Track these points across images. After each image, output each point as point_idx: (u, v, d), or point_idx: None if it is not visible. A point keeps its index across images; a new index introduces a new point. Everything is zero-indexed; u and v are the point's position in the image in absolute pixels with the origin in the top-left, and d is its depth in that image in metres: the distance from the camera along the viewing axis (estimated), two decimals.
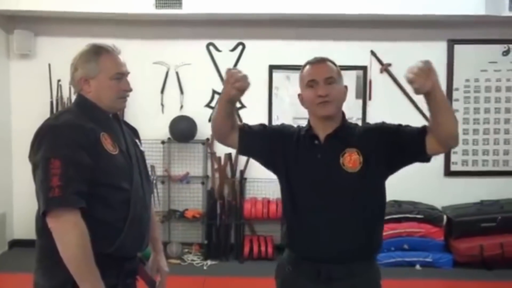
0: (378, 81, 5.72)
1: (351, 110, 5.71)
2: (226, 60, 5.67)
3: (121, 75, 2.07)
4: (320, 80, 2.14)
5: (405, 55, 5.67)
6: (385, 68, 5.71)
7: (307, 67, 2.21)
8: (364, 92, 5.72)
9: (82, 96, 2.06)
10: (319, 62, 2.20)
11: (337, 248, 2.11)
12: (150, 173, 2.33)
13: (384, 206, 2.27)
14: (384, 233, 5.55)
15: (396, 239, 5.31)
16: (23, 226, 5.57)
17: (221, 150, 5.56)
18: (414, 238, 5.32)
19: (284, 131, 2.31)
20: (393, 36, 5.69)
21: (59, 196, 1.82)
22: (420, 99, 6.04)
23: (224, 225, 5.55)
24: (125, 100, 2.13)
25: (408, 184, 5.70)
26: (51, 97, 5.56)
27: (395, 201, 5.59)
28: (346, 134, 2.19)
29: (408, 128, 2.15)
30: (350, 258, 2.12)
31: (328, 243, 2.12)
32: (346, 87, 2.22)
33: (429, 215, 5.39)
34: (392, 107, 5.69)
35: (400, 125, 2.18)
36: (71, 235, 1.84)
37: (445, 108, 1.97)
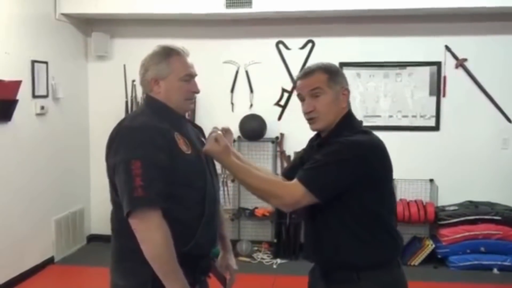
0: (453, 77, 5.51)
1: (424, 107, 5.55)
2: (295, 58, 5.66)
3: (190, 76, 2.10)
4: (305, 94, 2.10)
5: (482, 49, 5.46)
6: (461, 64, 5.49)
7: (297, 81, 2.17)
8: (438, 88, 5.53)
9: (151, 97, 2.09)
10: (304, 75, 2.13)
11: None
12: (220, 171, 2.34)
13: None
14: (460, 235, 5.39)
15: (472, 241, 5.14)
16: (101, 221, 5.76)
17: (291, 148, 5.56)
18: (491, 241, 5.11)
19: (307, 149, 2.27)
20: (469, 30, 5.46)
21: (143, 196, 1.84)
22: (498, 96, 5.78)
23: (293, 224, 5.54)
24: (192, 102, 2.16)
25: (485, 184, 5.50)
26: (126, 97, 5.74)
27: (471, 202, 5.40)
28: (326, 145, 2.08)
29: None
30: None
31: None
32: (346, 89, 2.11)
33: (508, 216, 5.15)
34: (468, 104, 5.49)
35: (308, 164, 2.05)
36: (156, 234, 1.86)
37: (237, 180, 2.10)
